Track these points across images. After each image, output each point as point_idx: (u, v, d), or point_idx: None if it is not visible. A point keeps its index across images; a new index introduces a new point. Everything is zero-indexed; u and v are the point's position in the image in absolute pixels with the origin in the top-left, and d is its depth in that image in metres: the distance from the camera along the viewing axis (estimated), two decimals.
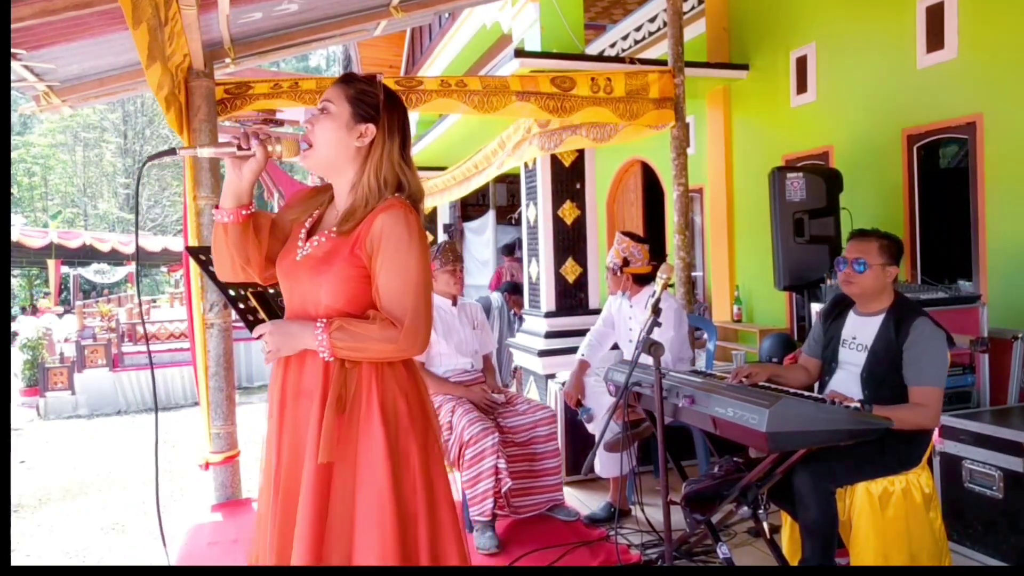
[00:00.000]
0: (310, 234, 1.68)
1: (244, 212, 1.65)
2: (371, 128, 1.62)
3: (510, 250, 9.56)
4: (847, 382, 2.54)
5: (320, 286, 1.59)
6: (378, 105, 1.64)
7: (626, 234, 3.69)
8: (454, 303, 3.66)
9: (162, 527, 1.95)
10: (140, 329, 9.92)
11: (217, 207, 1.66)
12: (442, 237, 10.50)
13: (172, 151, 1.68)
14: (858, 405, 2.24)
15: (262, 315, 2.22)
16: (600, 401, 3.52)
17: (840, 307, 2.68)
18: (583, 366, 3.72)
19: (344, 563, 1.52)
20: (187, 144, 3.76)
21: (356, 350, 1.54)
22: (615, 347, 3.87)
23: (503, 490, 3.23)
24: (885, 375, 2.45)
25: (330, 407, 1.53)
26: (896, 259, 2.53)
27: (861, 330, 2.56)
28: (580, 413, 3.63)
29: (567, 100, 4.40)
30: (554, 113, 4.41)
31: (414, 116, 10.09)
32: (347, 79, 1.68)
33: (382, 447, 1.54)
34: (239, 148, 1.62)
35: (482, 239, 10.65)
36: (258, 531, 1.68)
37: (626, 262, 3.62)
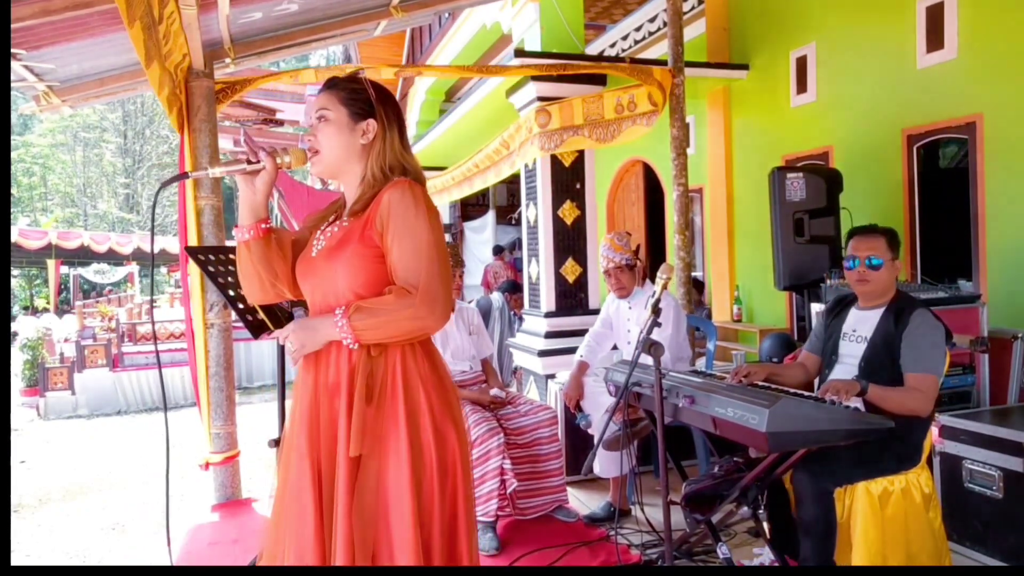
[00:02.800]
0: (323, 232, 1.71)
1: (264, 226, 1.67)
2: (372, 123, 1.67)
3: (498, 250, 9.61)
4: (846, 374, 2.55)
5: (336, 272, 1.61)
6: (371, 100, 1.68)
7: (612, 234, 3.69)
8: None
9: (168, 527, 1.94)
10: (140, 329, 9.92)
11: (236, 227, 1.69)
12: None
13: (185, 175, 1.79)
14: (858, 406, 2.24)
15: (261, 315, 2.22)
16: (599, 402, 3.51)
17: (842, 304, 2.71)
18: (582, 367, 3.72)
19: (368, 556, 1.52)
20: (190, 149, 3.79)
21: (378, 327, 1.53)
22: (615, 348, 3.87)
23: (509, 491, 3.24)
24: (883, 365, 2.46)
25: (359, 399, 1.53)
26: (899, 253, 2.56)
27: (862, 323, 2.58)
28: (578, 419, 3.63)
29: (569, 67, 4.51)
30: (556, 72, 4.52)
31: (413, 116, 10.10)
32: (333, 84, 1.71)
33: (405, 440, 1.54)
34: (248, 163, 1.64)
35: (482, 239, 10.66)
36: (271, 531, 1.65)
37: (636, 252, 3.62)
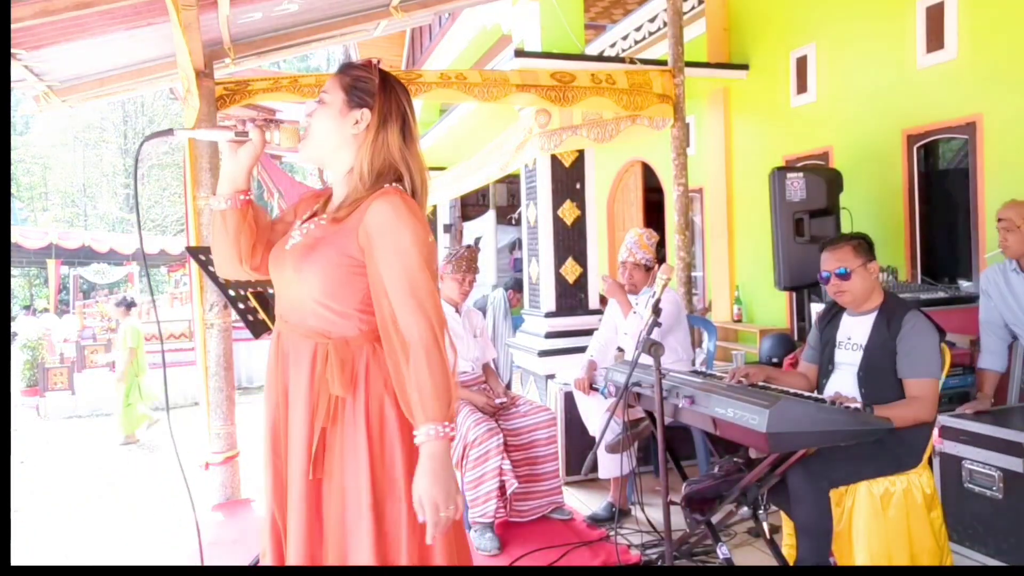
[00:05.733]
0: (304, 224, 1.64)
1: (242, 197, 1.60)
2: (366, 113, 1.56)
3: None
4: (844, 382, 2.55)
5: (303, 274, 1.53)
6: (373, 90, 1.57)
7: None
8: (457, 310, 3.66)
9: (198, 525, 1.94)
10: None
11: (214, 195, 1.62)
12: (443, 237, 10.50)
13: (170, 131, 1.64)
14: (859, 406, 2.24)
15: (262, 315, 2.23)
16: (601, 402, 3.51)
17: (834, 311, 2.71)
18: (592, 365, 3.73)
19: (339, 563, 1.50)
20: (190, 145, 3.78)
21: (437, 391, 1.42)
22: (620, 349, 3.88)
23: (509, 492, 3.23)
24: (881, 372, 2.46)
25: (319, 420, 1.50)
26: (872, 254, 2.57)
27: (855, 330, 2.58)
28: (601, 391, 3.59)
29: (568, 90, 4.41)
30: (555, 102, 4.41)
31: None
32: (343, 68, 1.63)
33: (365, 453, 1.48)
34: (236, 133, 1.58)
35: (482, 239, 10.64)
36: (264, 532, 1.64)
37: (657, 257, 3.63)
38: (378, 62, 1.63)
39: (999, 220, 3.06)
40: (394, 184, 1.55)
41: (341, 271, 1.51)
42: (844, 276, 2.52)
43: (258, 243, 1.65)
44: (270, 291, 2.05)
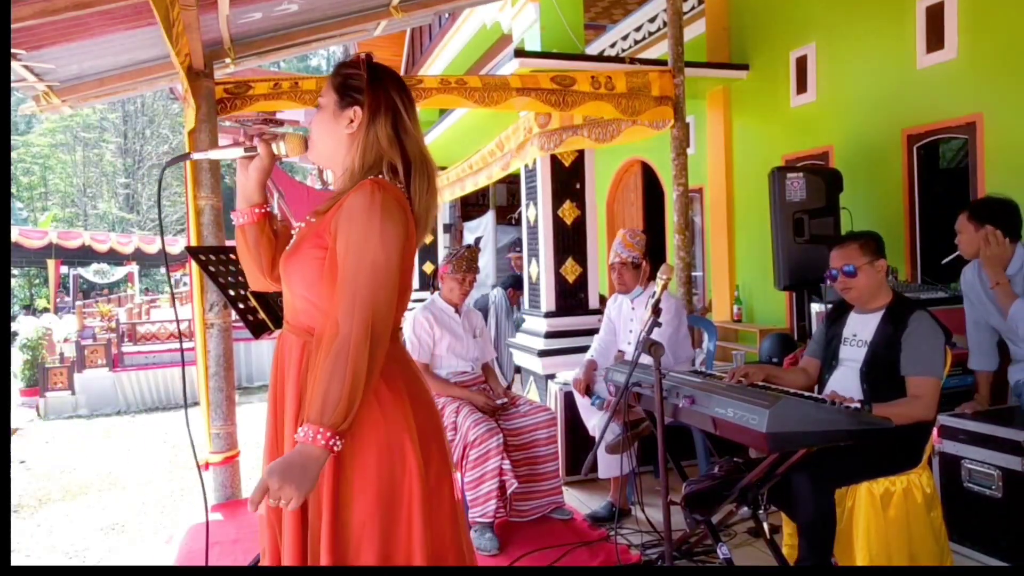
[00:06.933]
0: None
1: (258, 211, 1.65)
2: (357, 111, 1.54)
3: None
4: (847, 378, 2.56)
5: (288, 273, 1.55)
6: (362, 86, 1.55)
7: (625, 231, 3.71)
8: (457, 310, 3.66)
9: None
10: (140, 329, 9.92)
11: (233, 211, 1.69)
12: (442, 237, 10.49)
13: (187, 155, 1.76)
14: (858, 405, 2.24)
15: (262, 315, 2.22)
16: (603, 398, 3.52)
17: (841, 308, 2.72)
18: (592, 364, 3.74)
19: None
20: (190, 145, 3.78)
21: (340, 399, 1.34)
22: (621, 351, 3.87)
23: (509, 492, 3.23)
24: (885, 369, 2.46)
25: (301, 418, 1.48)
26: (880, 252, 2.57)
27: (861, 327, 2.59)
28: (592, 401, 3.61)
29: (568, 95, 4.41)
30: (555, 107, 4.40)
31: None
32: (335, 68, 1.63)
33: (329, 469, 1.43)
34: (245, 148, 1.63)
35: (482, 239, 10.64)
36: (263, 530, 1.65)
37: (645, 254, 3.62)
38: (367, 56, 1.60)
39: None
40: (379, 175, 1.52)
41: (321, 264, 1.48)
42: (851, 274, 2.54)
43: (278, 255, 1.67)
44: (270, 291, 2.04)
